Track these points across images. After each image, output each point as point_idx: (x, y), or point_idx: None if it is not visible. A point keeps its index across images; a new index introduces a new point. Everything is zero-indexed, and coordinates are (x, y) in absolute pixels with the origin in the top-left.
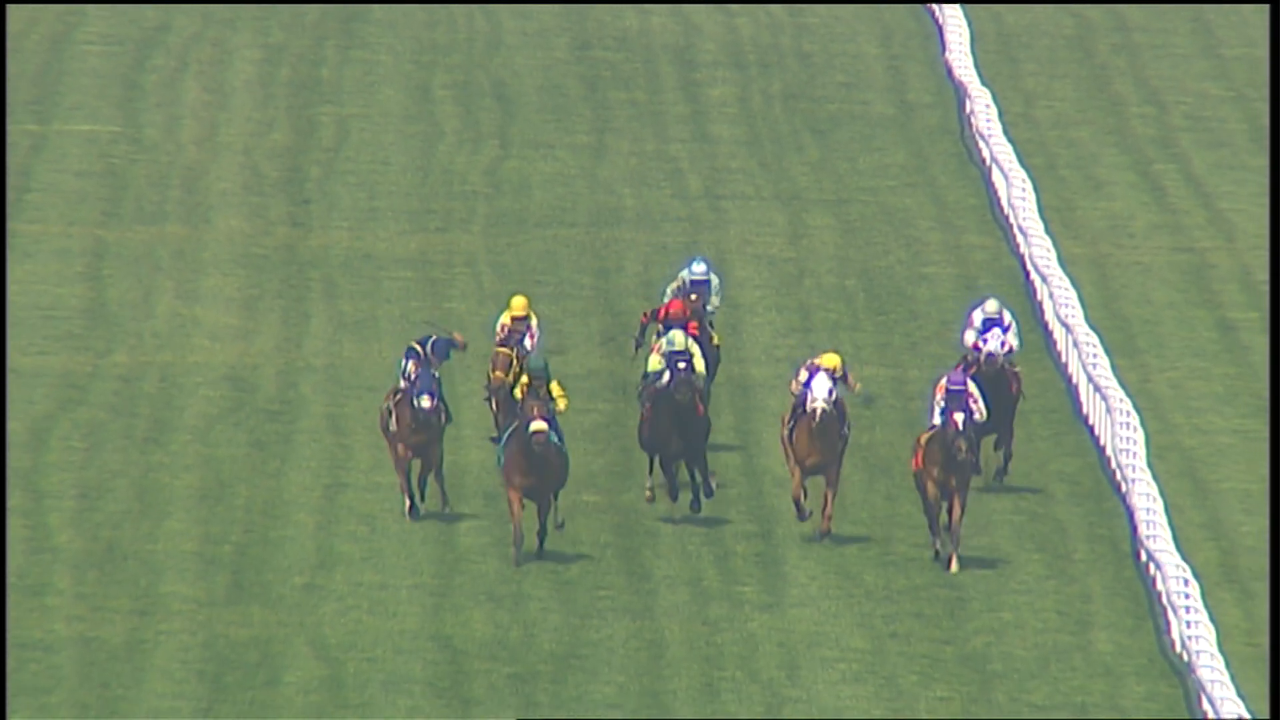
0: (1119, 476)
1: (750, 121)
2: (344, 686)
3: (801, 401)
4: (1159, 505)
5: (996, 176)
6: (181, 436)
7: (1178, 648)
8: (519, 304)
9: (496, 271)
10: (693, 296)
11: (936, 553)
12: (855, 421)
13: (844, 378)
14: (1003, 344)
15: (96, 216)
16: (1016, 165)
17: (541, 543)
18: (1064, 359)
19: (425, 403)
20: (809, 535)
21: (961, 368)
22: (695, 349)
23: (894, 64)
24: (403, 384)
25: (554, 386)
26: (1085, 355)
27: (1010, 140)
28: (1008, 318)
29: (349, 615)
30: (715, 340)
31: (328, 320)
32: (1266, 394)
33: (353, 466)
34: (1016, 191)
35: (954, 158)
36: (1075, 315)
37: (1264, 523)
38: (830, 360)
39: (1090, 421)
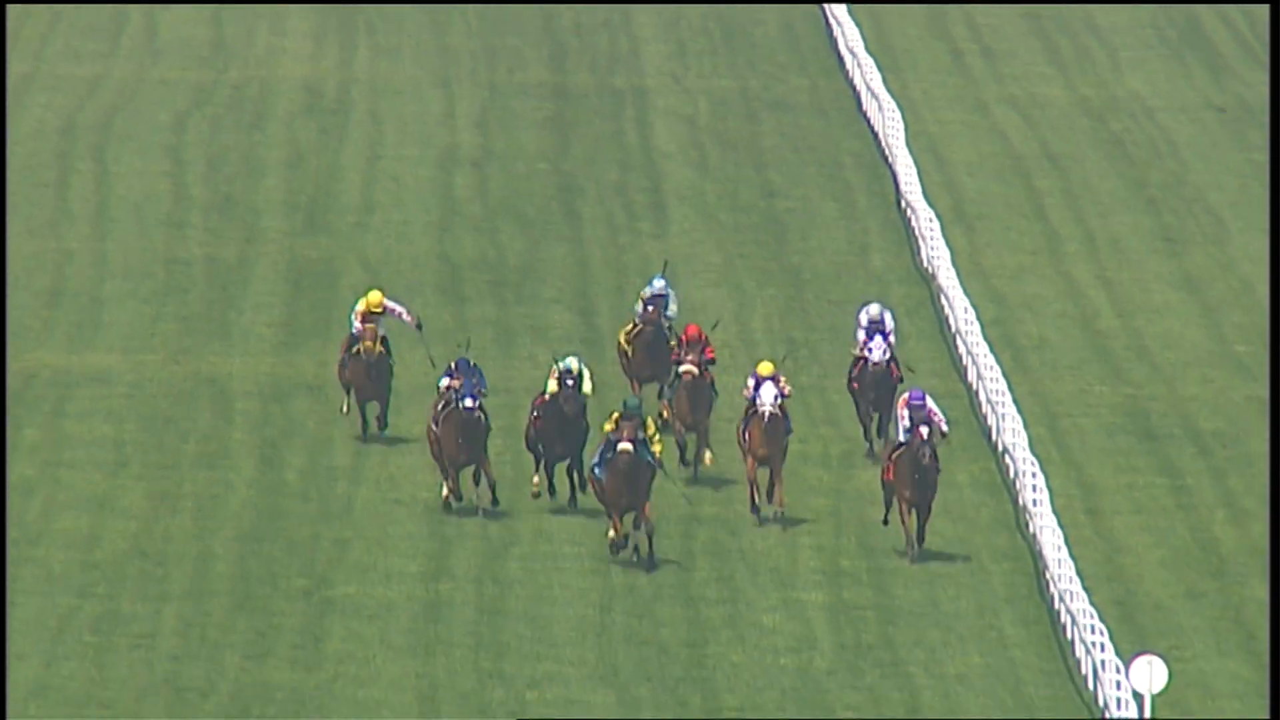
0: (909, 210)
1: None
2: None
3: (752, 404)
4: (936, 226)
5: (844, 49)
6: (274, 124)
7: (925, 263)
8: (375, 299)
9: (485, 50)
10: (650, 309)
11: (908, 552)
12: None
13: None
14: (884, 350)
15: None
16: (859, 38)
17: (650, 550)
18: (889, 152)
19: (468, 403)
20: (765, 518)
21: (911, 389)
22: (586, 372)
23: None
24: (442, 387)
25: (649, 422)
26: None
27: (856, 23)
28: (889, 321)
29: (384, 243)
30: (672, 343)
31: (369, 49)
32: (1017, 161)
33: (387, 143)
34: (851, 39)
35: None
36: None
37: (992, 185)
38: (765, 368)
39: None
